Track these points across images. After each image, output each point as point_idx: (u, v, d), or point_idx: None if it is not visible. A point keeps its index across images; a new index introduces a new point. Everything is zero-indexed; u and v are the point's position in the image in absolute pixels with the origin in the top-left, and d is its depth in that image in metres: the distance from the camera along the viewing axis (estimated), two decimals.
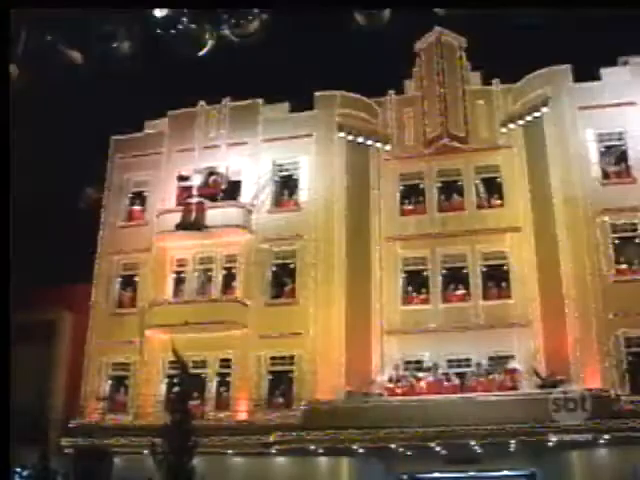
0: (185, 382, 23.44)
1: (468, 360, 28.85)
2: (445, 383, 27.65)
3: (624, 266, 28.28)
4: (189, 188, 32.04)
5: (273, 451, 27.01)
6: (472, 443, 25.60)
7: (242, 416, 28.95)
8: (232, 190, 32.34)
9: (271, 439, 26.59)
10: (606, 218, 28.73)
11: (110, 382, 31.58)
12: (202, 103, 34.40)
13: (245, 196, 32.15)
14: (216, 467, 26.88)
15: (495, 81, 32.82)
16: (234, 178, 32.77)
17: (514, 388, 27.01)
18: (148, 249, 32.56)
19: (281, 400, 29.11)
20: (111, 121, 35.73)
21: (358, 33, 17.47)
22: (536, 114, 31.04)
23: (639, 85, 29.89)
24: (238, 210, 31.69)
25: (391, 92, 33.61)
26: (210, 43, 17.67)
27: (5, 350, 11.47)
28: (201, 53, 17.88)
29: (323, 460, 27.68)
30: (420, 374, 28.20)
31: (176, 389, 24.24)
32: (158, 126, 35.12)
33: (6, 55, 12.62)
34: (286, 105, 33.77)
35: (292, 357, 29.68)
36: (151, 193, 33.90)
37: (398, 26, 17.44)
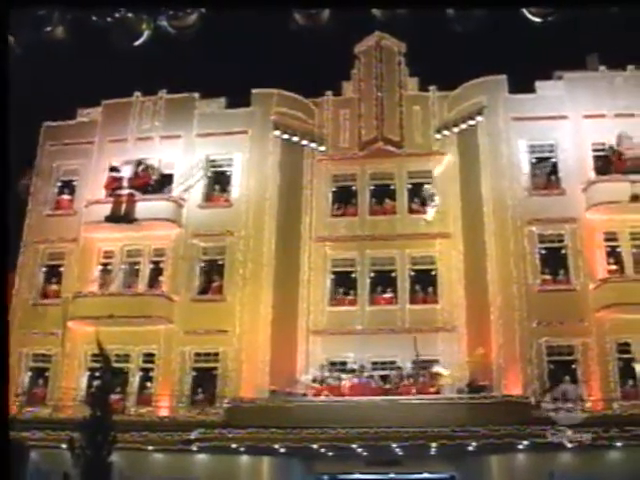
0: (107, 376, 23.04)
1: (393, 363, 29.01)
2: (368, 385, 27.72)
3: (549, 276, 28.82)
4: (119, 179, 31.50)
5: (194, 448, 26.74)
6: (393, 445, 25.77)
7: (164, 412, 28.60)
8: (163, 183, 31.93)
9: (192, 436, 26.36)
10: (534, 228, 29.24)
11: (29, 374, 30.87)
12: (137, 94, 33.87)
13: (177, 190, 31.74)
14: (136, 463, 26.57)
15: (432, 88, 33.14)
16: (166, 171, 32.30)
17: (437, 392, 27.23)
18: (75, 239, 31.93)
19: (204, 397, 28.85)
20: (43, 107, 34.97)
21: (297, 32, 17.41)
22: (471, 122, 31.44)
23: (572, 100, 30.49)
24: (168, 204, 31.26)
25: (328, 93, 33.68)
26: (147, 33, 17.45)
27: None
28: (137, 43, 17.62)
29: (244, 459, 27.53)
30: (344, 375, 28.26)
31: (97, 383, 23.84)
32: (91, 115, 34.43)
33: (6, 54, 12.34)
34: (222, 101, 33.51)
35: (217, 354, 29.45)
36: (81, 182, 33.23)
37: (338, 27, 17.43)
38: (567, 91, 30.84)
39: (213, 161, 32.60)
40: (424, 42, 31.13)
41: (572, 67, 31.48)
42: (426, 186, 31.32)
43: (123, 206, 30.65)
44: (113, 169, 32.09)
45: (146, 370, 29.95)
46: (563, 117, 30.49)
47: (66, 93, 35.28)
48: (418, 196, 31.53)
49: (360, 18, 19.30)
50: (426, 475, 29.42)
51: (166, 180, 32.07)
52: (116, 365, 27.11)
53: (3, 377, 11.55)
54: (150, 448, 27.42)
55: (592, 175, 29.49)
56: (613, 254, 28.79)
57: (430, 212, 30.78)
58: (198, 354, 29.69)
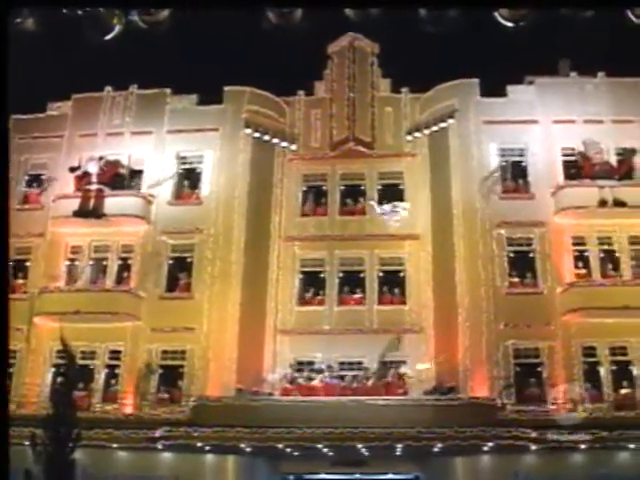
0: (71, 372, 22.82)
1: (360, 363, 29.08)
2: (335, 385, 27.72)
3: (517, 279, 28.98)
4: (88, 175, 31.17)
5: (159, 446, 26.59)
6: (359, 446, 25.73)
7: (129, 409, 28.39)
8: (133, 179, 31.71)
9: (157, 434, 26.20)
10: (503, 231, 29.38)
11: None
12: (108, 88, 33.58)
13: (146, 186, 31.51)
14: (100, 460, 26.22)
15: (404, 89, 33.22)
16: (136, 167, 32.06)
17: (404, 393, 27.29)
18: (42, 234, 31.58)
19: (170, 395, 28.66)
20: (12, 100, 34.48)
21: (270, 31, 17.38)
22: (442, 125, 31.56)
23: (543, 105, 30.72)
24: (137, 200, 31.04)
25: (300, 92, 33.66)
26: (118, 27, 17.35)
27: None
28: (108, 37, 17.51)
29: (209, 457, 27.39)
30: (312, 375, 28.24)
31: (61, 379, 23.60)
32: (61, 108, 34.11)
33: (5, 53, 12.22)
34: (194, 97, 33.33)
35: (184, 352, 29.26)
36: (49, 176, 32.83)
37: (311, 26, 17.42)
38: (538, 96, 31.07)
39: (184, 158, 32.40)
40: (397, 44, 31.17)
41: (544, 72, 31.71)
42: (401, 204, 31.28)
43: (91, 201, 30.37)
44: (73, 169, 31.64)
45: (112, 367, 29.70)
46: (534, 122, 30.72)
47: (36, 86, 34.87)
48: (388, 200, 31.47)
49: (333, 18, 19.30)
50: (391, 476, 29.44)
51: (136, 176, 31.85)
52: (82, 362, 26.97)
53: (3, 377, 11.43)
54: (115, 446, 27.18)
55: (561, 180, 29.73)
56: (581, 258, 29.05)
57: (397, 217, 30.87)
58: (165, 352, 29.48)
